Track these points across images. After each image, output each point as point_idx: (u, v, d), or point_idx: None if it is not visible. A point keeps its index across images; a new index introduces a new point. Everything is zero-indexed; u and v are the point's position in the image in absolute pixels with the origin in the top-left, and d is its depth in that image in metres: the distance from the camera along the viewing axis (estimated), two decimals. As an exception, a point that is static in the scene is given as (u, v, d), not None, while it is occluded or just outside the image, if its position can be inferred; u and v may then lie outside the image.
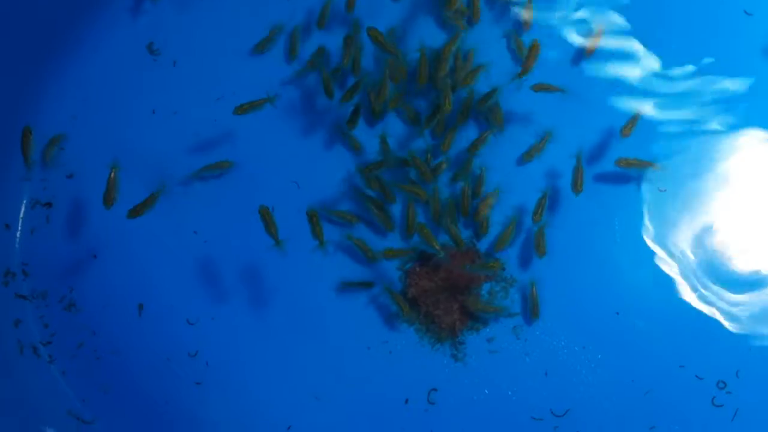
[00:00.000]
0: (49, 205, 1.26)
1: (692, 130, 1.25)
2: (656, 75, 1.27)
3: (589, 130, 1.26)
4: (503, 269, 1.23)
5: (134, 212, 1.18)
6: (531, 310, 1.21)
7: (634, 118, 1.23)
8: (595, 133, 1.26)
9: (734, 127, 1.25)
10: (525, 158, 1.25)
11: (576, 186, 1.21)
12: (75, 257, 1.25)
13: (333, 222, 1.24)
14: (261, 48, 1.28)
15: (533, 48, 1.23)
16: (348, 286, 1.23)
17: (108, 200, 1.19)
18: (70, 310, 1.25)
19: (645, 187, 1.24)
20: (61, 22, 1.28)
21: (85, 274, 1.25)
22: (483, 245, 1.24)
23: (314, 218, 1.19)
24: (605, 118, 1.26)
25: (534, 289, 1.21)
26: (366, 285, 1.23)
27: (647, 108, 1.26)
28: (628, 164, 1.22)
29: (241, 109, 1.22)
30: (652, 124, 1.25)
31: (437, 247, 1.19)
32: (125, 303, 1.24)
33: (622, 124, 1.22)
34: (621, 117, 1.24)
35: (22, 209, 1.26)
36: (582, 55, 1.27)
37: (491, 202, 1.22)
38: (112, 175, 1.19)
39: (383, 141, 1.25)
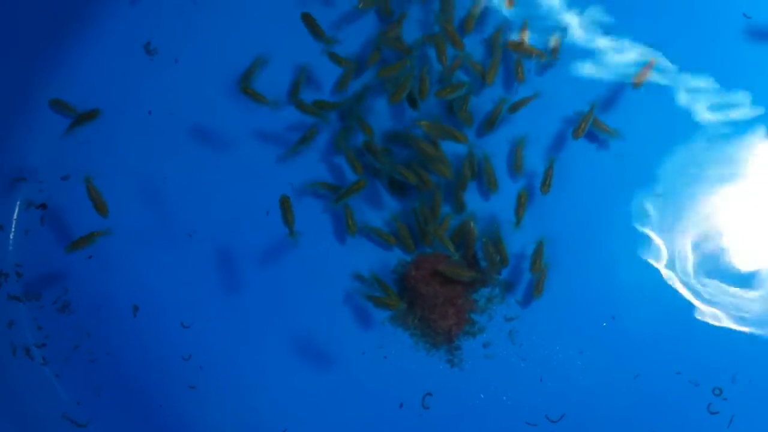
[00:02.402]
0: (43, 206, 1.26)
1: (686, 133, 1.25)
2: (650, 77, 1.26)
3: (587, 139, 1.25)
4: (500, 274, 1.23)
5: (73, 246, 1.18)
6: (535, 286, 1.20)
7: (588, 115, 1.22)
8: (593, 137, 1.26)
9: (730, 129, 1.25)
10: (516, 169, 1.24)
11: (544, 186, 1.21)
12: (69, 258, 1.24)
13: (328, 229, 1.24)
14: (247, 82, 1.27)
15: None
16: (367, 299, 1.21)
17: (100, 210, 1.19)
18: (64, 312, 1.24)
19: (640, 192, 1.24)
20: (54, 23, 1.27)
21: (80, 276, 1.24)
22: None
23: (286, 203, 1.18)
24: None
25: (541, 248, 1.20)
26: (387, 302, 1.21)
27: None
28: (583, 130, 1.21)
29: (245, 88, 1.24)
30: (644, 126, 1.25)
31: (452, 249, 1.18)
32: (120, 305, 1.24)
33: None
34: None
35: (16, 210, 1.25)
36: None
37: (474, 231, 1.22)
38: (88, 186, 1.19)
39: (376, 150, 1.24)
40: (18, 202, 1.26)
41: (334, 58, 1.23)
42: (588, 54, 1.27)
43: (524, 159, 1.24)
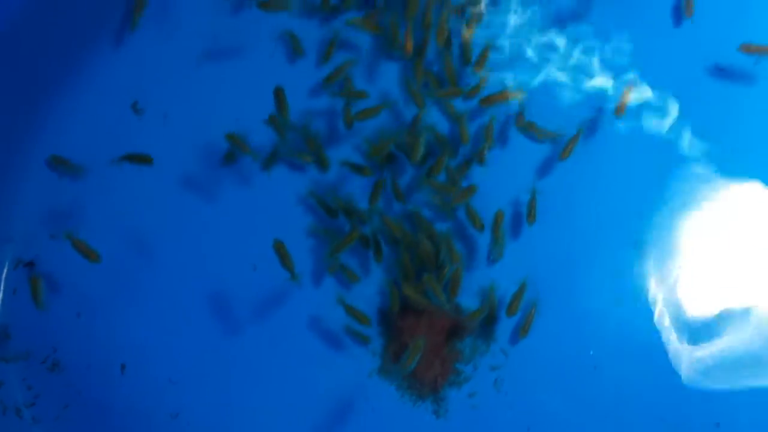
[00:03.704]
0: (31, 264, 1.27)
1: (664, 181, 1.27)
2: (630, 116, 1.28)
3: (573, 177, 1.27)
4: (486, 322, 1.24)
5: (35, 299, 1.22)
6: (522, 327, 1.21)
7: (575, 137, 1.24)
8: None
9: (715, 167, 1.27)
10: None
11: (530, 216, 1.22)
12: (58, 316, 1.25)
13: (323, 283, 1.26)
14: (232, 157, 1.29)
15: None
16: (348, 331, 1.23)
17: (91, 257, 1.21)
18: (53, 371, 1.25)
19: (619, 242, 1.25)
20: (40, 83, 1.29)
21: (69, 334, 1.25)
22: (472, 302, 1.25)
23: (281, 249, 1.19)
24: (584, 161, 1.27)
25: (521, 292, 1.21)
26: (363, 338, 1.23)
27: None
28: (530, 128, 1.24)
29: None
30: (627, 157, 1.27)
31: (443, 298, 1.19)
32: (108, 362, 1.24)
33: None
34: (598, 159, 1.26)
35: (5, 270, 1.27)
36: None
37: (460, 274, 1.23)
38: (72, 241, 1.21)
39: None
40: (6, 262, 1.27)
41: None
42: (569, 80, 1.29)
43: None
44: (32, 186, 1.28)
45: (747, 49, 1.24)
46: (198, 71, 1.31)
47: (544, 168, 1.27)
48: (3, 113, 1.28)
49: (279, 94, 1.23)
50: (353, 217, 1.24)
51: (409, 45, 1.24)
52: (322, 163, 1.26)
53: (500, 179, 1.26)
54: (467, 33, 1.27)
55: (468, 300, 1.24)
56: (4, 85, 1.27)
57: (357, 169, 1.24)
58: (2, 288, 1.26)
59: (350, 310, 1.21)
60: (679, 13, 1.29)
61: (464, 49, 1.27)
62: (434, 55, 1.28)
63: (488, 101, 1.25)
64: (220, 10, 1.32)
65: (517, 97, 1.26)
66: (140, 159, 1.26)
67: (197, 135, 1.28)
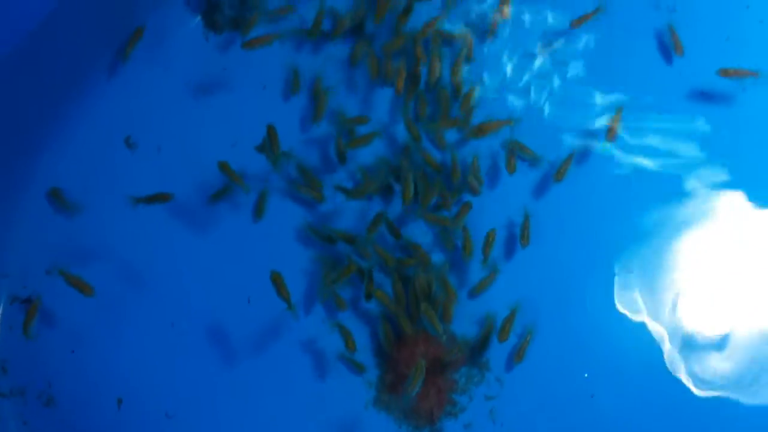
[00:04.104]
0: (28, 301, 1.27)
1: (658, 203, 1.27)
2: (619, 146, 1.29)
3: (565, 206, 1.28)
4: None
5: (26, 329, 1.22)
6: (517, 353, 1.21)
7: (568, 159, 1.25)
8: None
9: (704, 196, 1.27)
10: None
11: (523, 238, 1.23)
12: (53, 352, 1.25)
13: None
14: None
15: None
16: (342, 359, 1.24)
17: (85, 291, 1.21)
18: (49, 406, 1.25)
19: (614, 264, 1.25)
20: (32, 121, 1.29)
21: (64, 370, 1.25)
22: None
23: (278, 279, 1.19)
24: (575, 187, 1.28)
25: (512, 317, 1.21)
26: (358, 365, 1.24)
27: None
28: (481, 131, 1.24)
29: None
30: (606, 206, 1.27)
31: (439, 329, 1.19)
32: (104, 397, 1.24)
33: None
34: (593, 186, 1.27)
35: (1, 307, 1.27)
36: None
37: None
38: (65, 277, 1.21)
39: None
40: (3, 298, 1.27)
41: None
42: (559, 105, 1.30)
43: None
44: (27, 220, 1.29)
45: (725, 73, 1.26)
46: (191, 104, 1.32)
47: (538, 191, 1.28)
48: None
49: (271, 132, 1.24)
50: (353, 243, 1.24)
51: (400, 83, 1.25)
52: (317, 196, 1.26)
53: (492, 203, 1.27)
54: (457, 71, 1.28)
55: (462, 327, 1.24)
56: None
57: (350, 193, 1.25)
58: (-1, 324, 1.27)
59: (343, 331, 1.21)
60: (668, 42, 1.30)
61: (456, 85, 1.28)
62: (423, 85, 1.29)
63: (480, 131, 1.25)
64: (212, 43, 1.33)
65: (509, 124, 1.26)
66: (159, 198, 1.26)
67: (190, 168, 1.29)
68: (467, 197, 1.26)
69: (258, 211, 1.28)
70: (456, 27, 1.31)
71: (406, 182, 1.21)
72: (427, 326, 1.19)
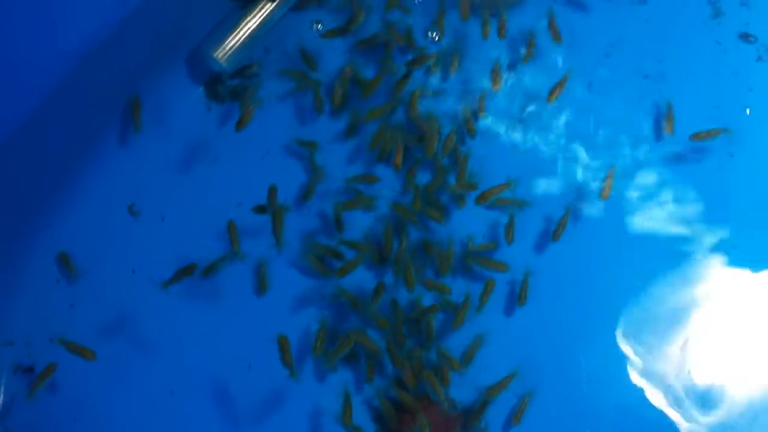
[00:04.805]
0: (31, 369, 1.28)
1: (655, 261, 1.29)
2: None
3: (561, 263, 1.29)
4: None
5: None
6: (515, 415, 1.22)
7: (564, 218, 1.27)
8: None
9: (702, 254, 1.29)
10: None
11: (521, 299, 1.25)
12: (56, 420, 1.26)
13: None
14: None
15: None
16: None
17: (87, 356, 1.23)
18: (50, 476, 1.26)
19: (613, 323, 1.27)
20: (38, 189, 1.31)
21: (66, 438, 1.26)
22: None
23: (285, 344, 1.21)
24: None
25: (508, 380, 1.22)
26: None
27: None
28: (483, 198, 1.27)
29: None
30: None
31: (442, 397, 1.20)
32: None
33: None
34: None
35: (5, 376, 1.28)
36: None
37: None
38: (66, 345, 1.23)
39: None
40: (7, 367, 1.28)
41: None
42: (555, 166, 1.33)
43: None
44: (31, 287, 1.30)
45: (696, 137, 1.29)
46: (193, 173, 1.34)
47: (535, 251, 1.30)
48: (2, 217, 1.30)
49: (271, 192, 1.26)
50: (357, 307, 1.26)
51: (399, 159, 1.28)
52: (321, 267, 1.28)
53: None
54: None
55: (460, 393, 1.25)
56: (3, 189, 1.30)
57: (341, 269, 1.27)
58: (3, 392, 1.27)
59: (346, 402, 1.22)
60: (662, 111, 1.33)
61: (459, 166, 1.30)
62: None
63: (483, 198, 1.28)
64: (213, 113, 1.35)
65: (509, 187, 1.29)
66: (184, 273, 1.27)
67: (193, 236, 1.31)
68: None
69: (261, 286, 1.30)
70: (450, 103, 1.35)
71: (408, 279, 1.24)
72: (430, 392, 1.20)
